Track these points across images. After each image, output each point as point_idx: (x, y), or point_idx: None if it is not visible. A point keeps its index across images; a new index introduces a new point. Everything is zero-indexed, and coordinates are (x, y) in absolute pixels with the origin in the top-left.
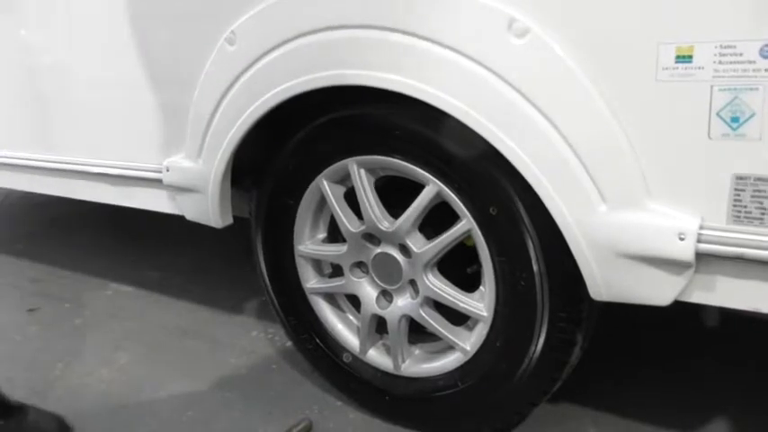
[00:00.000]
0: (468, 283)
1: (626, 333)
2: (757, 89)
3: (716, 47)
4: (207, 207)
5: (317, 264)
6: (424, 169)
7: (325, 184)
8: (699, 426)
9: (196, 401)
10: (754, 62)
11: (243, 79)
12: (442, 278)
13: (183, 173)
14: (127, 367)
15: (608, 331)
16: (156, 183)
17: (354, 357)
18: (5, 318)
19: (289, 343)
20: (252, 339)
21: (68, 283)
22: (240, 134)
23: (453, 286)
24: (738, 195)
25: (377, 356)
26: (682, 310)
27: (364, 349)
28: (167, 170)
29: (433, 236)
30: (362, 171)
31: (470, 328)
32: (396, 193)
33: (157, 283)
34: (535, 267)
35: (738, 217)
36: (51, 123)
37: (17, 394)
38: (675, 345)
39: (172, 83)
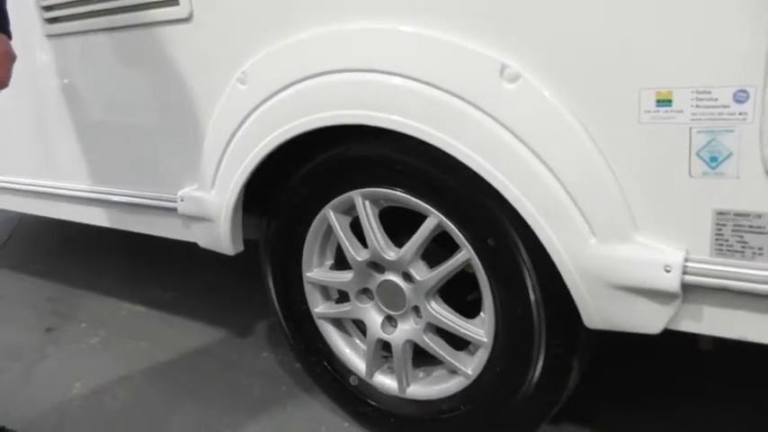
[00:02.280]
0: (470, 309)
1: (628, 355)
2: (733, 131)
3: (693, 92)
4: (219, 235)
5: (325, 289)
6: (424, 201)
7: (331, 215)
8: None
9: (207, 422)
10: (729, 106)
11: (253, 117)
12: (444, 305)
13: (196, 203)
14: (141, 387)
15: (614, 352)
16: (171, 211)
17: (361, 380)
18: (24, 337)
19: (297, 364)
20: (262, 360)
21: (84, 302)
22: (251, 168)
23: (455, 313)
24: (720, 230)
25: (383, 379)
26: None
27: (370, 372)
28: (182, 200)
29: (436, 263)
30: (367, 203)
31: (472, 353)
32: (399, 221)
33: (170, 304)
34: (532, 296)
35: (721, 250)
36: (73, 154)
37: (35, 413)
38: (677, 367)
39: (187, 119)
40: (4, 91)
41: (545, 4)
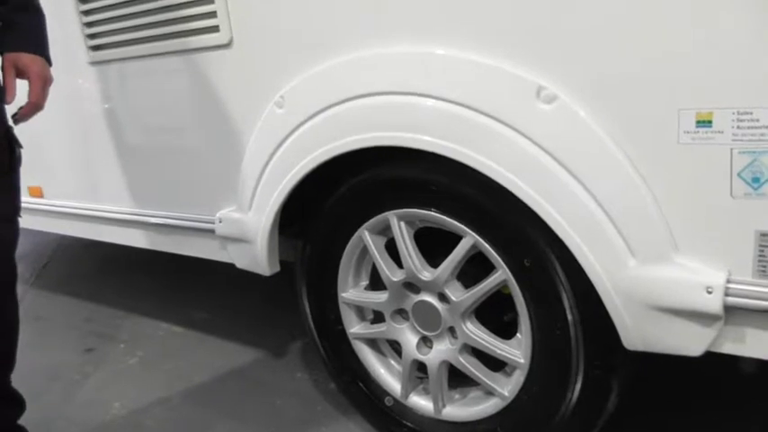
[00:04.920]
0: (506, 330)
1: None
2: None
3: (734, 113)
4: (256, 256)
5: (360, 310)
6: (460, 222)
7: (366, 236)
8: None
9: None
10: None
11: (290, 140)
12: (479, 325)
13: (234, 224)
14: (179, 408)
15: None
16: (209, 233)
17: (396, 401)
18: (63, 357)
19: (332, 385)
20: (296, 381)
21: (123, 323)
22: (288, 190)
23: (491, 333)
24: (762, 251)
25: (418, 400)
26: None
27: (405, 393)
28: (220, 221)
29: (472, 283)
30: (402, 223)
31: (508, 374)
32: (435, 241)
33: (206, 325)
34: (569, 317)
35: (764, 271)
36: (114, 177)
37: None
38: (718, 388)
39: (226, 142)
40: (45, 115)
41: (580, 27)
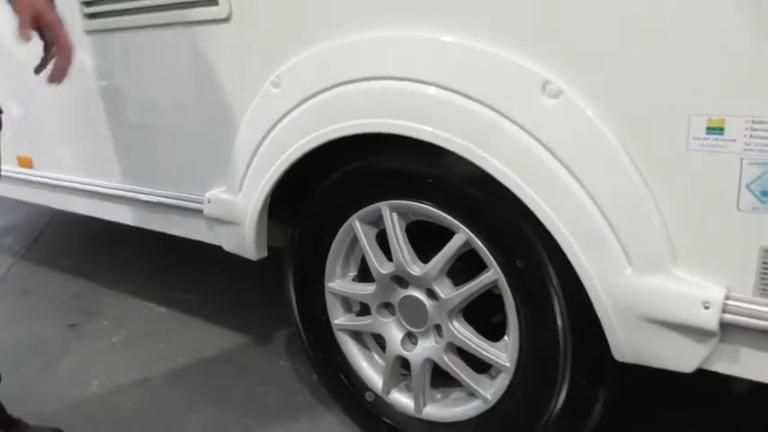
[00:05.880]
0: (493, 332)
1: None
2: None
3: (747, 121)
4: (244, 240)
5: (346, 301)
6: (454, 217)
7: (357, 225)
8: None
9: (222, 427)
10: None
11: (285, 121)
12: (467, 325)
13: (223, 206)
14: (158, 389)
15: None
16: (197, 213)
17: (377, 397)
18: (48, 332)
19: (314, 376)
20: (279, 369)
21: (108, 300)
22: (279, 173)
23: (478, 334)
24: (766, 269)
25: (399, 397)
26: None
27: (387, 389)
28: (209, 202)
29: (462, 281)
30: (395, 215)
31: (493, 377)
32: (426, 236)
33: (191, 307)
34: (559, 323)
35: (765, 290)
36: (104, 151)
37: (51, 408)
38: (709, 409)
39: (219, 120)
40: (38, 83)
41: (592, 20)
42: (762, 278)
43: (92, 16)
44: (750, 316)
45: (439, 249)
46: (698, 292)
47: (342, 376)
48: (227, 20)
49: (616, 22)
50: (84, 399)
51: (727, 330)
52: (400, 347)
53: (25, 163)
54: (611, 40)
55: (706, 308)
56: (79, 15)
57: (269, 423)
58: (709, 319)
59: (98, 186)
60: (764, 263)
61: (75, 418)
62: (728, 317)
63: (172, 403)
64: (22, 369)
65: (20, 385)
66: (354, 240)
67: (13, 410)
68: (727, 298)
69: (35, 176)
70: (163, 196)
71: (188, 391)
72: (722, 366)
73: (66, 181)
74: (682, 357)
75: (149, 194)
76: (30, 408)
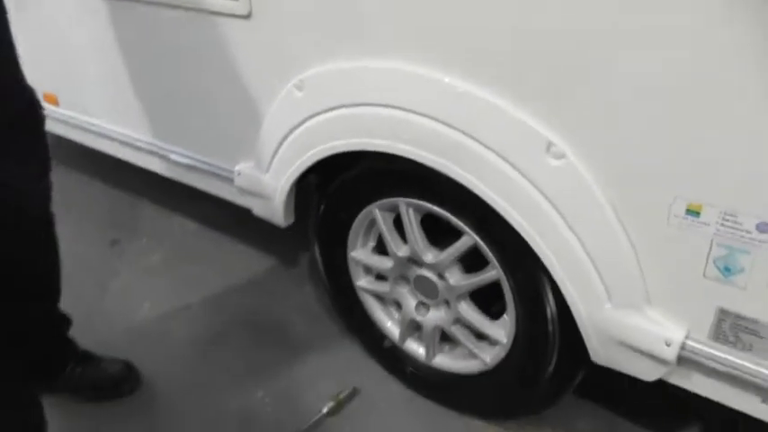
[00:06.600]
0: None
1: None
2: (749, 253)
3: (721, 212)
4: (272, 210)
5: (367, 266)
6: (465, 224)
7: (377, 213)
8: None
9: (257, 360)
10: (751, 233)
11: (309, 124)
12: (472, 305)
13: (252, 180)
14: (198, 315)
15: None
16: (228, 180)
17: (393, 345)
18: (92, 249)
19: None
20: (305, 296)
21: (140, 213)
22: (304, 167)
23: (481, 313)
24: (720, 324)
25: (413, 347)
26: None
27: (402, 340)
28: (239, 174)
29: (471, 266)
30: (411, 210)
31: (492, 345)
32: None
33: (220, 224)
34: (550, 327)
35: (717, 338)
36: (136, 105)
37: (109, 331)
38: None
39: (245, 106)
40: (72, 25)
41: (597, 96)
42: (716, 329)
43: None
44: (702, 356)
45: (452, 234)
46: (662, 332)
47: (363, 326)
48: (247, 17)
49: (617, 103)
50: (138, 323)
51: (684, 360)
52: (414, 312)
53: (51, 100)
54: (613, 119)
55: (668, 345)
56: None
57: (302, 351)
58: (669, 354)
59: (130, 137)
60: (720, 318)
61: (132, 344)
62: (685, 353)
63: (211, 330)
64: (78, 291)
65: (79, 309)
66: (374, 220)
67: (78, 337)
68: (686, 338)
69: (62, 115)
70: (195, 160)
71: (224, 319)
72: (677, 381)
73: (96, 126)
74: (645, 371)
75: (181, 155)
76: (92, 334)
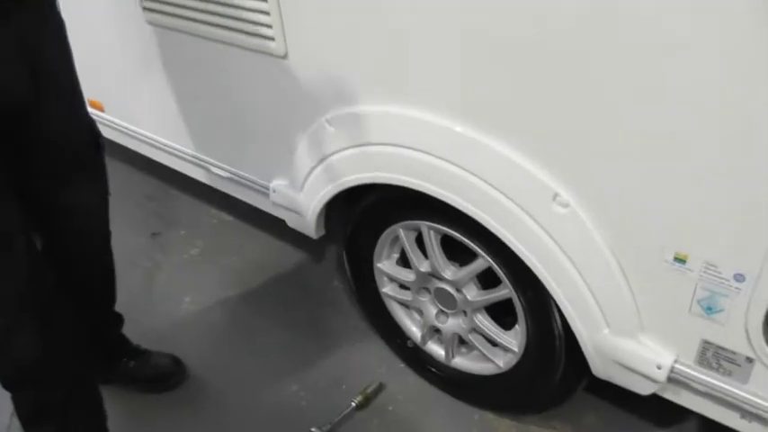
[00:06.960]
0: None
1: None
2: (728, 296)
3: (704, 263)
4: (305, 224)
5: (391, 277)
6: (481, 249)
7: (401, 232)
8: None
9: (291, 350)
10: (729, 280)
11: (339, 156)
12: (487, 317)
13: (286, 197)
14: (236, 308)
15: None
16: (264, 193)
17: (416, 345)
18: (135, 240)
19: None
20: (333, 291)
21: (178, 204)
22: (334, 192)
23: (496, 325)
24: (704, 352)
25: (434, 348)
26: None
27: (424, 342)
28: (274, 191)
29: (487, 284)
30: (432, 232)
31: (505, 352)
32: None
33: (252, 217)
34: (557, 342)
35: (702, 363)
36: (178, 118)
37: (152, 324)
38: None
39: (280, 132)
40: (117, 36)
41: (598, 157)
42: (700, 357)
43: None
44: (689, 378)
45: (469, 252)
46: (654, 357)
47: (387, 327)
48: (284, 57)
49: (614, 163)
50: (180, 317)
51: (673, 380)
52: (434, 320)
53: (96, 106)
54: (611, 175)
55: (659, 368)
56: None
57: (330, 348)
58: (660, 376)
59: (172, 147)
60: (703, 348)
61: (176, 336)
62: (674, 375)
63: (248, 324)
64: (126, 285)
65: (128, 303)
66: (398, 236)
67: (127, 328)
68: (675, 362)
69: (107, 120)
70: (233, 174)
71: (260, 312)
72: (668, 396)
73: (140, 134)
74: (640, 386)
75: (221, 169)
76: (139, 327)
